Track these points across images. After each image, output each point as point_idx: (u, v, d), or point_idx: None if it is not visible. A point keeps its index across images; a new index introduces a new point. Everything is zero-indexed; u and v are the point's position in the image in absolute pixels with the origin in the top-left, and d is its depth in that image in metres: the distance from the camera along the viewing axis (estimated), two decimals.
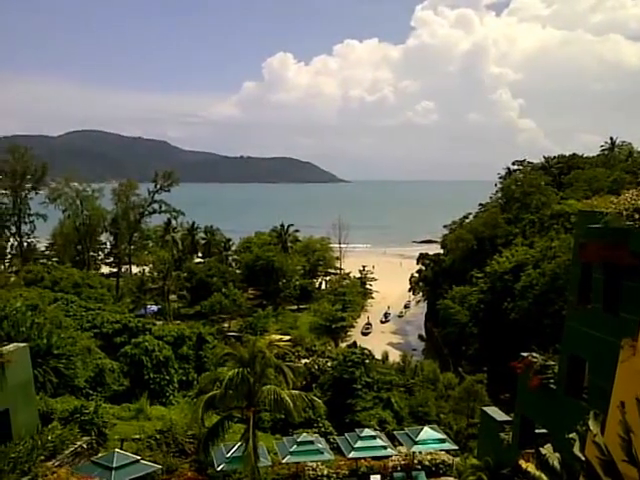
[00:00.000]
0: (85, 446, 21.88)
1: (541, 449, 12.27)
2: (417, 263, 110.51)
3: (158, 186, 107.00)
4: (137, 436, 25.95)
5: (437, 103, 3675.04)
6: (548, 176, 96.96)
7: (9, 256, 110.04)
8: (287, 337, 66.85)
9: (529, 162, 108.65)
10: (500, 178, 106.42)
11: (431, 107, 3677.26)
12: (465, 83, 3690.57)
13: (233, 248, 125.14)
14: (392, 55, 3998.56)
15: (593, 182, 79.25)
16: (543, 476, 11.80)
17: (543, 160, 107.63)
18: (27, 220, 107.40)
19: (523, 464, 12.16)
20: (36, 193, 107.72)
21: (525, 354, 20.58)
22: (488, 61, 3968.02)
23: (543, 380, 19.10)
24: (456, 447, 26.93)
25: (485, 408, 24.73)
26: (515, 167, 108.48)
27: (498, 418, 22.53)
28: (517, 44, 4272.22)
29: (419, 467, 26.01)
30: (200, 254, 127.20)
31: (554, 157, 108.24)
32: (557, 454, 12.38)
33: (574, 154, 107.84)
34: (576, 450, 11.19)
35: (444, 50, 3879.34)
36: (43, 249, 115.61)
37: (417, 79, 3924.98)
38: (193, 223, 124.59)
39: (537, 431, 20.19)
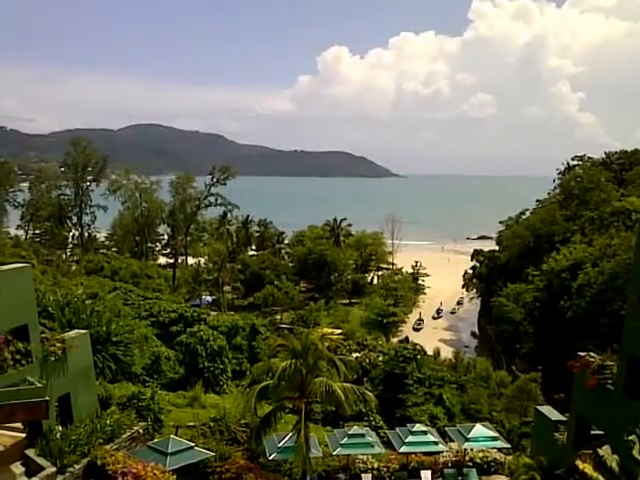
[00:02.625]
0: (141, 431, 22.31)
1: (599, 450, 12.06)
2: (471, 259, 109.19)
3: (214, 179, 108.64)
4: (191, 423, 26.40)
5: (494, 96, 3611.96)
6: (609, 172, 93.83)
7: (71, 246, 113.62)
8: (339, 331, 66.84)
9: (589, 157, 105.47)
10: (559, 174, 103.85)
11: (487, 100, 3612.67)
12: (523, 76, 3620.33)
13: (286, 241, 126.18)
14: (448, 48, 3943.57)
15: None
16: (600, 478, 11.61)
17: (604, 156, 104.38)
18: (88, 211, 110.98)
19: (580, 465, 12.00)
20: (97, 185, 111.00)
21: (582, 354, 20.16)
22: (548, 54, 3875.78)
23: (601, 380, 18.68)
24: (508, 445, 26.51)
25: (539, 407, 24.29)
26: (574, 162, 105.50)
27: (553, 417, 22.11)
28: (578, 36, 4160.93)
29: (470, 464, 25.75)
30: (254, 247, 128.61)
31: (615, 152, 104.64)
32: (615, 456, 12.14)
33: (636, 150, 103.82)
34: (635, 453, 10.99)
35: (502, 42, 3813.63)
36: (103, 239, 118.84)
37: (474, 72, 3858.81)
38: (247, 216, 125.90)
39: (593, 432, 19.80)
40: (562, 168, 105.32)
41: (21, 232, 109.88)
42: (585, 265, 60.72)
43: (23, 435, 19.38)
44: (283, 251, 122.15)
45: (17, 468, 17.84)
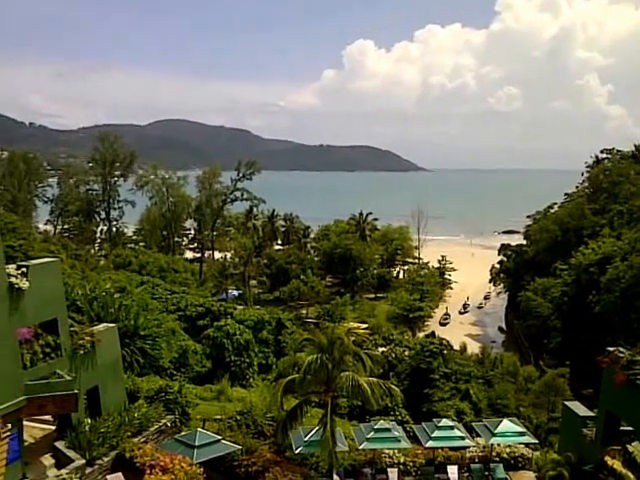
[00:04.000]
0: (169, 424, 22.52)
1: (628, 446, 11.90)
2: (498, 254, 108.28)
3: (240, 174, 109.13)
4: (218, 416, 26.51)
5: (520, 89, 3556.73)
6: (638, 165, 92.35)
7: (99, 240, 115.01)
8: (364, 325, 66.75)
9: (618, 150, 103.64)
10: (587, 167, 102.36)
11: (514, 94, 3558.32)
12: (550, 69, 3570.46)
13: (312, 235, 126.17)
14: (475, 40, 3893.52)
15: None
16: (630, 474, 11.47)
17: (633, 148, 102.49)
18: (116, 206, 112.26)
19: (609, 461, 11.86)
20: (124, 180, 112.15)
21: (611, 349, 19.91)
22: (576, 46, 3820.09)
23: (630, 376, 18.44)
24: (536, 441, 26.20)
25: (567, 402, 24.06)
26: (603, 156, 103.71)
27: (581, 413, 21.88)
28: (607, 27, 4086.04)
29: (497, 459, 25.54)
30: (280, 241, 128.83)
31: None
32: None
33: None
34: None
35: (529, 35, 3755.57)
36: (131, 234, 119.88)
37: (500, 65, 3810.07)
38: (273, 211, 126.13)
39: (622, 428, 19.55)
40: (590, 161, 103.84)
41: (50, 227, 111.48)
42: (614, 259, 59.80)
43: (53, 428, 19.75)
44: (309, 245, 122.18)
45: (47, 460, 18.18)
